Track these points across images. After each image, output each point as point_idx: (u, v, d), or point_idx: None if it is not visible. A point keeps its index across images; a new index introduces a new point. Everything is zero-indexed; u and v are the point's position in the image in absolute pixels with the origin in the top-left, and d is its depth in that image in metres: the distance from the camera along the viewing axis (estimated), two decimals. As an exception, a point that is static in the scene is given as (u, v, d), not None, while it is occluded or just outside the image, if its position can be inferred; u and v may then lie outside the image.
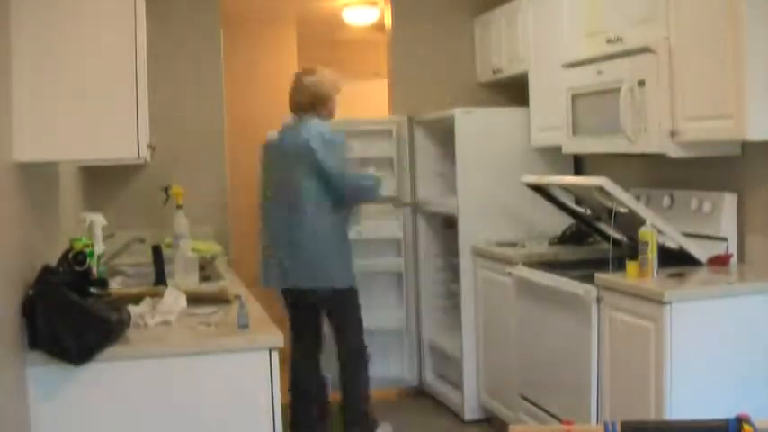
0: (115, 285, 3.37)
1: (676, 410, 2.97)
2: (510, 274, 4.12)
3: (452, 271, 5.03)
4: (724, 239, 3.49)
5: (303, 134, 4.07)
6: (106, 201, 4.71)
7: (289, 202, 4.07)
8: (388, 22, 5.52)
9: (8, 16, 2.38)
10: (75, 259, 2.63)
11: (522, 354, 4.08)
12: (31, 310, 2.38)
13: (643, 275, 3.22)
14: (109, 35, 2.51)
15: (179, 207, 4.48)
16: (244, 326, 2.64)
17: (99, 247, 3.36)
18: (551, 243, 4.44)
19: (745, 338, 3.07)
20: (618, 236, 3.74)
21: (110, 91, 2.50)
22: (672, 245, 3.48)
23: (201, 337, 2.60)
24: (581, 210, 4.10)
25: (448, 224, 5.08)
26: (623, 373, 3.26)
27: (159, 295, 2.91)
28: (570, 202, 4.15)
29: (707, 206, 3.56)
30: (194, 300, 3.00)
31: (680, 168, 3.70)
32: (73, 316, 2.37)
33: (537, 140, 4.67)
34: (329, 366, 4.44)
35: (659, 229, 3.35)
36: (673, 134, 3.36)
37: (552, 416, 3.77)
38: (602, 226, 4.03)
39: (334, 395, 4.48)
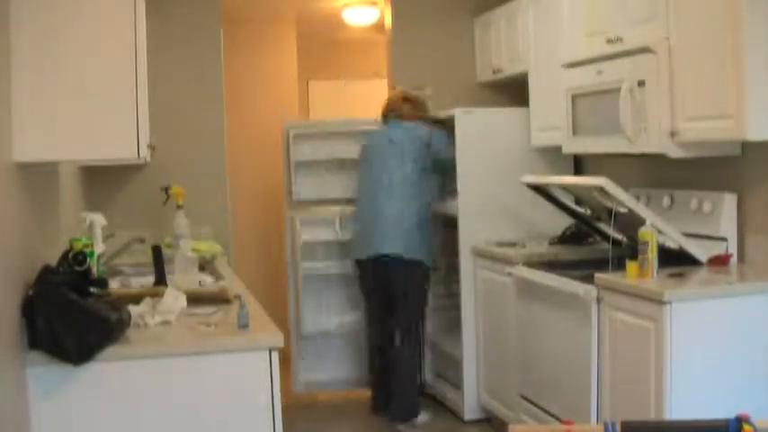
0: (115, 285, 3.36)
1: (676, 410, 2.97)
2: (510, 274, 4.12)
3: (452, 271, 5.03)
4: (724, 239, 3.49)
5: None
6: (106, 201, 4.71)
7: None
8: (388, 22, 5.52)
9: (8, 16, 2.38)
10: (75, 259, 2.63)
11: (522, 354, 4.08)
12: (31, 310, 2.38)
13: (643, 275, 3.22)
14: (109, 35, 2.51)
15: (179, 207, 4.48)
16: (244, 326, 2.64)
17: (99, 247, 3.36)
18: (551, 243, 4.44)
19: (745, 338, 3.07)
20: (618, 236, 3.74)
21: (110, 91, 2.50)
22: (672, 245, 3.48)
23: (201, 337, 2.60)
24: (581, 210, 4.10)
25: (448, 224, 5.08)
26: (623, 373, 3.26)
27: (159, 295, 2.91)
28: (570, 202, 4.15)
29: (707, 206, 3.56)
30: (194, 300, 3.00)
31: (680, 168, 3.70)
32: (73, 316, 2.37)
33: (537, 140, 4.67)
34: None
35: (659, 229, 3.35)
36: (673, 134, 3.36)
37: (552, 416, 3.77)
38: (602, 226, 4.03)
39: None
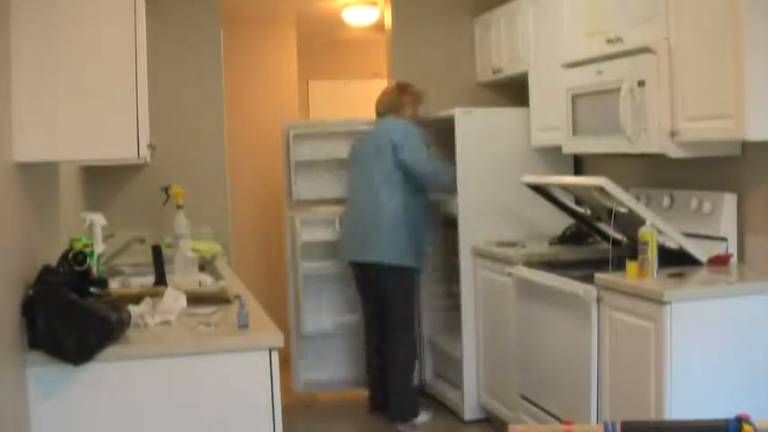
0: (115, 285, 3.36)
1: (676, 410, 2.97)
2: (510, 274, 4.12)
3: (452, 271, 5.03)
4: (724, 239, 3.49)
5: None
6: (106, 201, 4.71)
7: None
8: (388, 22, 5.52)
9: (8, 16, 2.38)
10: (75, 259, 2.63)
11: (522, 354, 4.08)
12: (31, 310, 2.38)
13: (643, 275, 3.22)
14: (109, 35, 2.50)
15: (179, 207, 4.48)
16: (244, 326, 2.64)
17: (99, 247, 3.35)
18: (551, 243, 4.44)
19: (745, 338, 3.07)
20: (618, 236, 3.74)
21: (110, 91, 2.50)
22: (672, 245, 3.48)
23: (201, 337, 2.60)
24: (581, 210, 4.10)
25: (448, 224, 5.08)
26: (623, 373, 3.26)
27: (159, 295, 2.91)
28: (570, 202, 4.15)
29: (707, 206, 3.56)
30: (194, 300, 3.00)
31: (680, 168, 3.70)
32: (73, 316, 2.37)
33: (537, 140, 4.67)
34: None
35: (659, 229, 3.35)
36: (673, 134, 3.36)
37: (552, 416, 3.77)
38: (602, 226, 4.03)
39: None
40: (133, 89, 2.51)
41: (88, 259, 2.66)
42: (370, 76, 7.30)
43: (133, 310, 2.70)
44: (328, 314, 5.27)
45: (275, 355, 2.54)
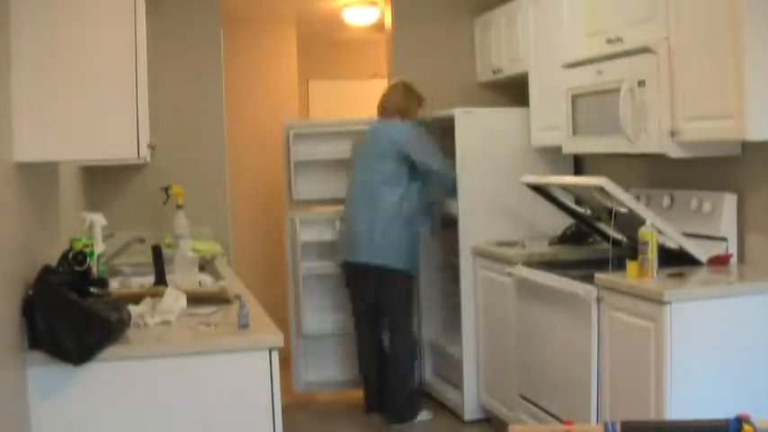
0: (115, 285, 3.37)
1: (676, 410, 2.97)
2: (510, 274, 4.12)
3: (452, 271, 5.03)
4: (724, 239, 3.49)
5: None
6: (106, 201, 4.71)
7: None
8: (388, 22, 5.52)
9: (8, 16, 2.38)
10: (75, 259, 2.63)
11: (522, 354, 4.08)
12: (30, 310, 2.38)
13: (643, 275, 3.22)
14: (109, 35, 2.50)
15: (179, 207, 4.49)
16: (244, 326, 2.64)
17: (99, 247, 3.36)
18: (551, 243, 4.44)
19: (745, 338, 3.07)
20: (618, 236, 3.74)
21: (110, 91, 2.50)
22: (672, 245, 3.48)
23: (201, 337, 2.60)
24: (581, 210, 4.10)
25: (448, 224, 5.08)
26: (623, 373, 3.26)
27: (159, 295, 2.91)
28: (570, 202, 4.15)
29: (707, 206, 3.56)
30: (194, 300, 3.00)
31: (680, 168, 3.70)
32: (73, 316, 2.37)
33: (537, 140, 4.67)
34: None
35: (659, 229, 3.35)
36: (673, 134, 3.36)
37: (552, 416, 3.77)
38: (602, 226, 4.03)
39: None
40: (133, 89, 2.51)
41: (88, 259, 2.66)
42: (370, 76, 7.30)
43: (133, 310, 2.70)
44: (328, 314, 5.27)
45: (275, 355, 2.54)
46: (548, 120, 4.49)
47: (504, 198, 4.69)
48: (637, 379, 3.14)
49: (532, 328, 3.96)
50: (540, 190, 4.17)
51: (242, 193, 6.08)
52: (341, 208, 5.08)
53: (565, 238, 4.40)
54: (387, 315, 4.70)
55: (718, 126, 3.14)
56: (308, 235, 5.17)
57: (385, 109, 4.80)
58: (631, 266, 3.28)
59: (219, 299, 3.10)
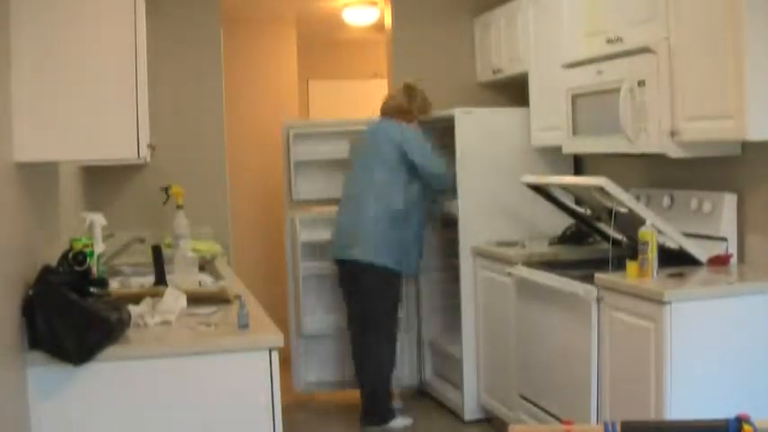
0: (115, 285, 3.37)
1: (676, 410, 2.97)
2: (510, 274, 4.12)
3: (452, 271, 5.03)
4: (724, 239, 3.49)
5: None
6: (106, 201, 4.71)
7: None
8: (388, 22, 5.52)
9: (8, 16, 2.38)
10: (75, 259, 2.63)
11: (522, 354, 4.08)
12: (31, 310, 2.38)
13: (643, 275, 3.22)
14: (109, 35, 2.50)
15: (179, 207, 4.49)
16: (244, 326, 2.64)
17: (99, 247, 3.36)
18: (551, 243, 4.44)
19: (745, 338, 3.07)
20: (618, 236, 3.74)
21: (110, 91, 2.50)
22: (672, 245, 3.48)
23: (201, 337, 2.60)
24: (581, 210, 4.10)
25: (448, 224, 5.08)
26: (623, 373, 3.26)
27: (159, 295, 2.91)
28: (570, 202, 4.15)
29: (707, 206, 3.56)
30: (194, 300, 3.00)
31: (680, 168, 3.70)
32: (73, 316, 2.37)
33: (537, 140, 4.67)
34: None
35: (659, 229, 3.35)
36: (673, 134, 3.37)
37: (552, 416, 3.77)
38: (602, 226, 4.03)
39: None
40: (133, 89, 2.51)
41: (88, 259, 2.66)
42: (370, 76, 7.30)
43: (133, 310, 2.70)
44: (328, 314, 5.26)
45: (275, 355, 2.54)
46: (548, 120, 4.49)
47: (504, 198, 4.68)
48: (637, 379, 3.14)
49: (532, 328, 3.96)
50: (540, 190, 4.17)
51: (242, 193, 6.08)
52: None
53: (565, 238, 4.40)
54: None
55: (718, 126, 3.14)
56: (308, 235, 5.17)
57: (386, 109, 4.80)
58: (631, 266, 3.28)
59: (219, 299, 3.10)
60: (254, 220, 6.36)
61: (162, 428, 2.48)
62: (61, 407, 2.41)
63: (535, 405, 3.94)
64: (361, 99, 7.20)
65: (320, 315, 5.24)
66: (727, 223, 3.49)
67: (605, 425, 1.84)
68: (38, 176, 2.83)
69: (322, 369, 5.26)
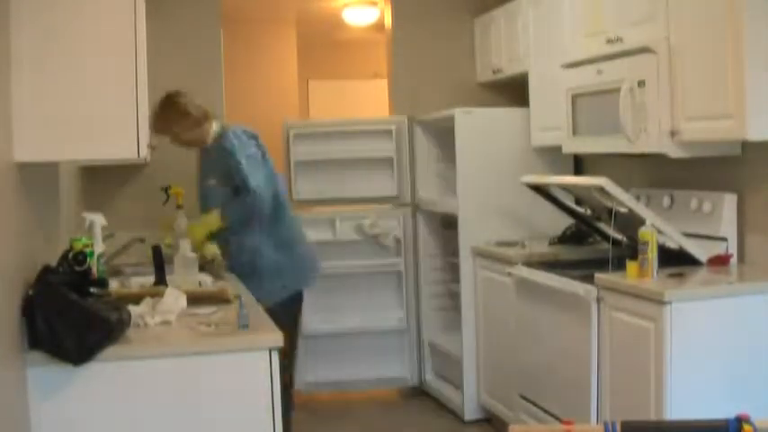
0: (115, 285, 3.37)
1: (676, 410, 2.97)
2: (510, 274, 4.12)
3: (452, 271, 5.03)
4: (724, 239, 3.49)
5: None
6: (106, 201, 4.71)
7: None
8: (388, 22, 5.52)
9: (8, 16, 2.38)
10: (75, 259, 2.63)
11: (521, 354, 4.08)
12: (31, 310, 2.38)
13: (643, 275, 3.22)
14: (109, 35, 2.50)
15: (179, 207, 4.48)
16: (244, 326, 2.64)
17: (99, 247, 3.35)
18: (551, 243, 4.44)
19: (745, 338, 3.07)
20: (618, 236, 3.74)
21: (110, 91, 2.50)
22: (672, 245, 3.48)
23: (201, 337, 2.60)
24: (581, 210, 4.10)
25: (448, 224, 5.08)
26: (623, 373, 3.26)
27: (159, 295, 2.91)
28: (570, 202, 4.15)
29: (707, 206, 3.56)
30: (194, 300, 3.00)
31: (680, 168, 3.70)
32: (73, 316, 2.37)
33: (537, 140, 4.67)
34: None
35: (659, 229, 3.35)
36: (673, 134, 3.37)
37: (552, 416, 3.77)
38: (602, 226, 4.03)
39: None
40: (133, 89, 2.51)
41: (88, 259, 2.66)
42: (370, 76, 7.31)
43: (133, 310, 2.70)
44: (328, 314, 5.27)
45: (275, 355, 2.54)
46: (548, 120, 4.49)
47: (504, 198, 4.68)
48: (637, 379, 3.14)
49: (532, 328, 3.96)
50: (540, 190, 4.17)
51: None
52: (341, 208, 5.08)
53: (565, 238, 4.40)
54: None
55: (718, 126, 3.14)
56: (308, 235, 5.16)
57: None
58: (631, 266, 3.28)
59: (219, 299, 3.10)
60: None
61: (162, 428, 2.48)
62: (61, 407, 2.41)
63: (535, 405, 3.94)
64: (361, 99, 7.20)
65: (320, 315, 5.24)
66: (727, 223, 3.49)
67: (605, 425, 1.85)
68: (38, 176, 2.82)
69: (322, 369, 5.26)
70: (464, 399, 4.77)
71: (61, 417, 2.41)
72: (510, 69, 4.96)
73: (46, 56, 2.44)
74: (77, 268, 2.62)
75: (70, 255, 2.65)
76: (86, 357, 2.38)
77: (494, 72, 5.18)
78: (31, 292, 2.41)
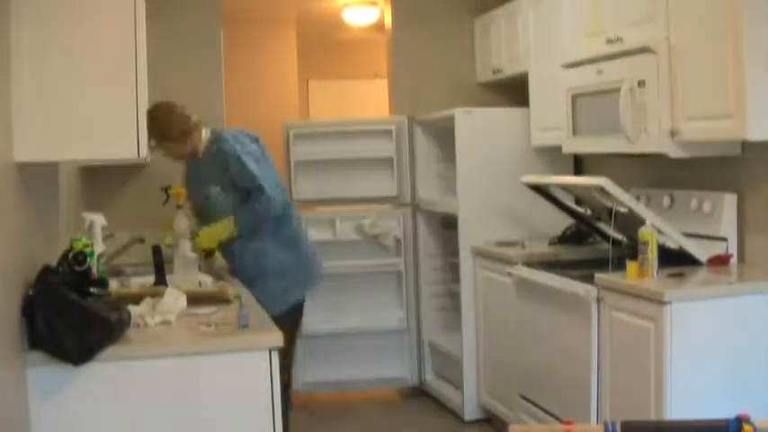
0: (115, 285, 3.37)
1: (676, 410, 2.97)
2: (510, 274, 4.12)
3: (452, 271, 5.03)
4: (724, 239, 3.49)
5: None
6: (106, 201, 4.71)
7: None
8: (388, 22, 5.52)
9: (8, 16, 2.38)
10: (75, 259, 2.63)
11: (521, 354, 4.08)
12: (31, 310, 2.38)
13: (643, 275, 3.22)
14: (109, 35, 2.50)
15: (179, 207, 4.48)
16: (244, 326, 2.64)
17: (99, 247, 3.35)
18: (551, 243, 4.44)
19: (745, 338, 3.07)
20: (618, 236, 3.74)
21: (110, 90, 2.50)
22: (672, 245, 3.48)
23: (201, 337, 2.60)
24: (581, 210, 4.10)
25: (448, 224, 5.08)
26: (623, 373, 3.26)
27: (159, 295, 2.91)
28: (570, 202, 4.15)
29: (707, 206, 3.56)
30: (194, 300, 3.00)
31: (680, 168, 3.70)
32: (73, 316, 2.37)
33: (537, 140, 4.67)
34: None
35: (659, 229, 3.35)
36: (673, 134, 3.37)
37: (552, 416, 3.77)
38: (603, 226, 4.03)
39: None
40: (133, 89, 2.51)
41: (88, 259, 2.66)
42: (370, 76, 7.31)
43: (133, 310, 2.70)
44: (328, 314, 5.27)
45: (275, 355, 2.54)
46: (548, 120, 4.49)
47: (504, 198, 4.68)
48: (637, 379, 3.14)
49: (532, 328, 3.96)
50: (540, 190, 4.17)
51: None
52: (341, 208, 5.08)
53: (565, 238, 4.40)
54: None
55: (718, 126, 3.14)
56: (309, 235, 5.16)
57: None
58: (631, 266, 3.28)
59: (219, 299, 3.10)
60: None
61: (162, 428, 2.48)
62: (61, 407, 2.41)
63: (535, 405, 3.94)
64: (362, 99, 7.20)
65: (320, 315, 5.24)
66: (727, 223, 3.49)
67: (605, 425, 1.85)
68: (38, 176, 2.82)
69: (322, 369, 5.26)
70: (464, 399, 4.77)
71: (61, 417, 2.41)
72: (510, 69, 4.96)
73: (46, 56, 2.44)
74: (77, 268, 2.62)
75: (70, 255, 2.65)
76: (86, 357, 2.38)
77: (494, 72, 5.18)
78: (31, 292, 2.41)
